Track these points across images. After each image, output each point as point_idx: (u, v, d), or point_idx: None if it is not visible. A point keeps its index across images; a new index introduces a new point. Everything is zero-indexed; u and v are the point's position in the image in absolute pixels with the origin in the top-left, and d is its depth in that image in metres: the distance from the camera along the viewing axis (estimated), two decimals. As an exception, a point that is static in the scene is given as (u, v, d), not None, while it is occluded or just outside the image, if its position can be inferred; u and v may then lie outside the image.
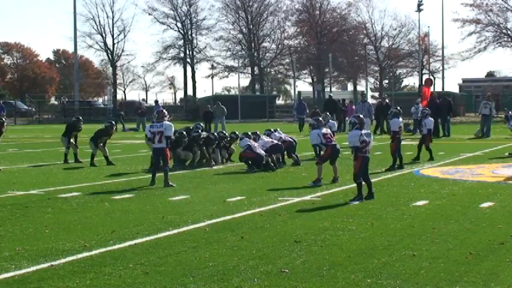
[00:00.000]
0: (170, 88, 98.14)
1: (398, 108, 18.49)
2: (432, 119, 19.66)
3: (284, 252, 7.94)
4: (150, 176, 14.27)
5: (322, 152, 15.12)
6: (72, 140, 19.38)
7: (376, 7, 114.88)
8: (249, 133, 18.08)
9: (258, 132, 18.46)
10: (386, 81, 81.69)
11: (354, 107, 37.70)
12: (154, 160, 14.51)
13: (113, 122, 19.65)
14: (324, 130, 14.71)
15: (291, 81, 73.79)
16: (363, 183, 12.00)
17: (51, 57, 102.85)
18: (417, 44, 67.50)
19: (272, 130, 19.25)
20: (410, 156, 19.61)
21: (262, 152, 16.99)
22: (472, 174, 15.82)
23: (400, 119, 17.35)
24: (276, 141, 17.98)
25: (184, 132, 17.94)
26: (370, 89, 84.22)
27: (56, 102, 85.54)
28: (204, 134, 18.48)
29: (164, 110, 15.13)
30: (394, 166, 16.77)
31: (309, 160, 19.02)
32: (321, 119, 15.85)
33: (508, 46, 64.88)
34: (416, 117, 33.59)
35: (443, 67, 72.56)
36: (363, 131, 12.07)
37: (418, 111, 33.27)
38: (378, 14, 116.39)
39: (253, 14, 76.71)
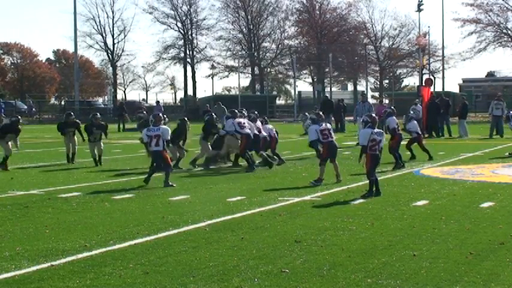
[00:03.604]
0: (171, 88, 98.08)
1: (392, 107, 18.58)
2: (416, 122, 19.54)
3: (284, 252, 7.94)
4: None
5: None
6: (74, 138, 19.18)
7: (376, 7, 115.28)
8: (236, 111, 17.90)
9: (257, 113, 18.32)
10: (387, 81, 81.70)
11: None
12: (155, 163, 14.58)
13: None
14: (323, 126, 14.71)
15: (291, 81, 73.76)
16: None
17: (51, 57, 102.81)
18: (417, 44, 67.50)
19: (266, 118, 18.86)
20: (409, 156, 19.59)
21: (248, 131, 16.91)
22: (472, 174, 15.82)
23: (394, 117, 17.48)
24: (265, 134, 17.77)
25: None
26: (371, 89, 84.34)
27: (57, 102, 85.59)
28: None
29: (160, 114, 15.18)
30: (398, 163, 16.81)
31: (305, 159, 18.98)
32: (320, 113, 15.79)
33: (508, 46, 64.93)
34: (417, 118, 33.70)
35: (443, 67, 72.55)
36: (375, 130, 12.44)
37: (417, 112, 33.42)
38: (378, 14, 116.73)
39: (253, 14, 76.67)
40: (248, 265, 7.31)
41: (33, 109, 64.21)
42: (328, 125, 15.03)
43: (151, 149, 14.40)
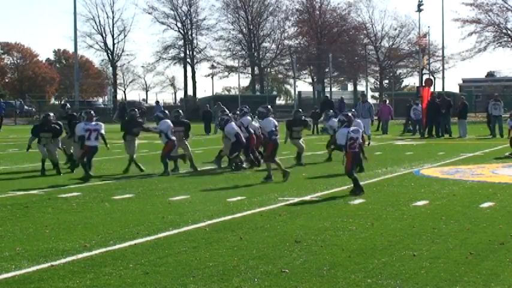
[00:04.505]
0: (174, 88, 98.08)
1: (353, 110, 18.56)
2: (335, 120, 18.99)
3: (284, 252, 7.94)
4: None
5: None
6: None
7: (376, 7, 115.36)
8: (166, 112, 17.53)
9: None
10: (387, 81, 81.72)
11: (391, 107, 37.38)
12: (89, 157, 15.40)
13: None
14: (275, 120, 15.03)
15: (291, 81, 73.78)
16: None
17: (52, 57, 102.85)
18: (417, 44, 67.52)
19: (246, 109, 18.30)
20: (410, 156, 19.59)
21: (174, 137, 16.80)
22: (472, 174, 15.82)
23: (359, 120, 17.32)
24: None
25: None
26: (371, 89, 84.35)
27: (57, 102, 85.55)
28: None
29: (92, 112, 15.98)
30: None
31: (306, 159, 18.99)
32: (269, 107, 15.83)
33: (508, 46, 64.92)
34: (416, 118, 33.71)
35: (443, 67, 72.56)
36: (351, 128, 12.68)
37: (417, 112, 33.44)
38: (378, 14, 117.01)
39: (253, 14, 76.68)
40: (248, 265, 7.31)
41: (26, 107, 64.17)
42: (276, 122, 15.28)
43: (91, 144, 15.29)
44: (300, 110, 19.52)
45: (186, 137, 17.37)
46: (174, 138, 16.79)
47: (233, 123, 17.42)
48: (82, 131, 15.56)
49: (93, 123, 15.52)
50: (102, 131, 15.58)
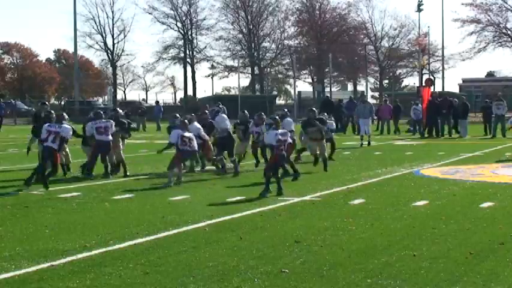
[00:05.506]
0: (174, 88, 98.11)
1: (286, 110, 18.17)
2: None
3: (284, 252, 7.94)
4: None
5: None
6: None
7: (376, 7, 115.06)
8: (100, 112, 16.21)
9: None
10: (387, 81, 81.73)
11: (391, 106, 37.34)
12: (42, 161, 14.23)
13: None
14: (186, 133, 14.63)
15: (291, 81, 73.77)
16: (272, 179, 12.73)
17: (52, 57, 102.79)
18: (417, 45, 67.57)
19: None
20: (410, 156, 19.56)
21: (110, 138, 15.70)
22: (472, 174, 15.82)
23: (290, 119, 16.41)
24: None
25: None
26: (371, 88, 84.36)
27: (56, 102, 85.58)
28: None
29: (64, 114, 14.78)
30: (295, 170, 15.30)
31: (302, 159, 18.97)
32: (186, 121, 15.20)
33: (508, 46, 64.91)
34: (417, 118, 33.72)
35: (443, 67, 72.59)
36: (279, 131, 13.04)
37: (417, 112, 33.46)
38: (378, 14, 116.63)
39: (253, 14, 76.66)
40: (248, 265, 7.31)
41: (26, 107, 64.02)
42: (191, 135, 14.66)
43: (47, 144, 13.97)
44: (314, 108, 17.75)
45: (122, 137, 16.47)
46: (109, 138, 15.62)
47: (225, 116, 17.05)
48: (45, 131, 14.12)
49: (57, 125, 14.08)
50: (66, 135, 14.18)
